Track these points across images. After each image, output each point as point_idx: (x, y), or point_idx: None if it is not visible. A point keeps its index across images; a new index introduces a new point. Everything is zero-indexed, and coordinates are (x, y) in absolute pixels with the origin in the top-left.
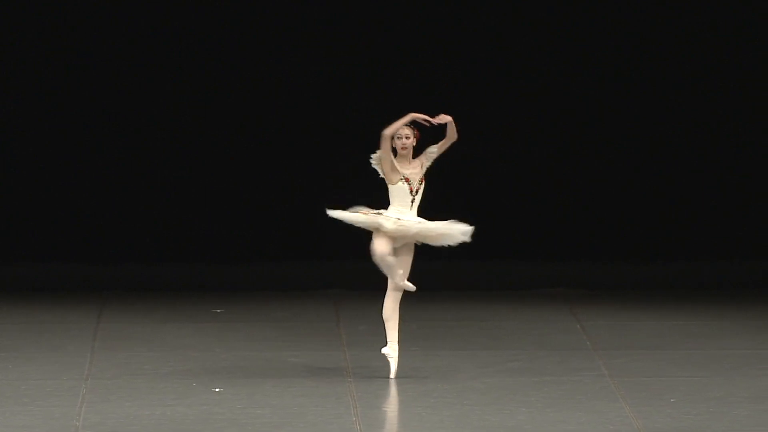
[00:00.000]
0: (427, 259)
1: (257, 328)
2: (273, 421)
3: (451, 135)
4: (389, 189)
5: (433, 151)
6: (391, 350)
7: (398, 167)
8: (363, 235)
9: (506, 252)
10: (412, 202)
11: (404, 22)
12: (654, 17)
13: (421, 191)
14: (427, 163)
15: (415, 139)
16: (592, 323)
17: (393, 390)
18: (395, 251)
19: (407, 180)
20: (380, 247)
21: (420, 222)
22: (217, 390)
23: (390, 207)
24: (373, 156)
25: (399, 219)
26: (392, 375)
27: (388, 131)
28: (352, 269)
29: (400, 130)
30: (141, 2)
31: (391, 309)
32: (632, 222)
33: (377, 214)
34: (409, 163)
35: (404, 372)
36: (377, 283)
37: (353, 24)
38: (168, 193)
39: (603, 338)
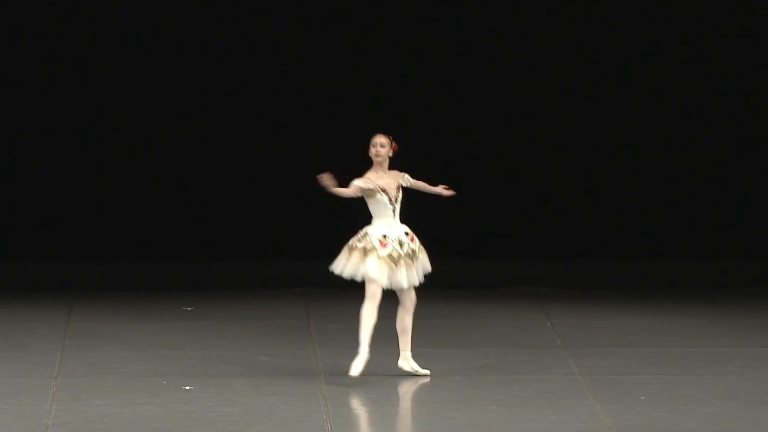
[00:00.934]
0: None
1: (227, 326)
2: (243, 419)
3: (427, 190)
4: (368, 203)
5: (408, 180)
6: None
7: (373, 178)
8: (334, 234)
9: (476, 250)
10: (394, 211)
11: (404, 22)
12: (654, 14)
13: (400, 199)
14: (402, 183)
15: (392, 150)
16: (563, 322)
17: (363, 389)
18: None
19: (385, 191)
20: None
21: (400, 249)
22: (187, 388)
23: (374, 220)
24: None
25: (385, 236)
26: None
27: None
28: (322, 268)
29: (375, 139)
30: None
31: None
32: (603, 221)
33: (362, 246)
34: (386, 173)
35: (373, 369)
36: (348, 282)
37: (353, 24)
38: (137, 191)
39: (573, 337)
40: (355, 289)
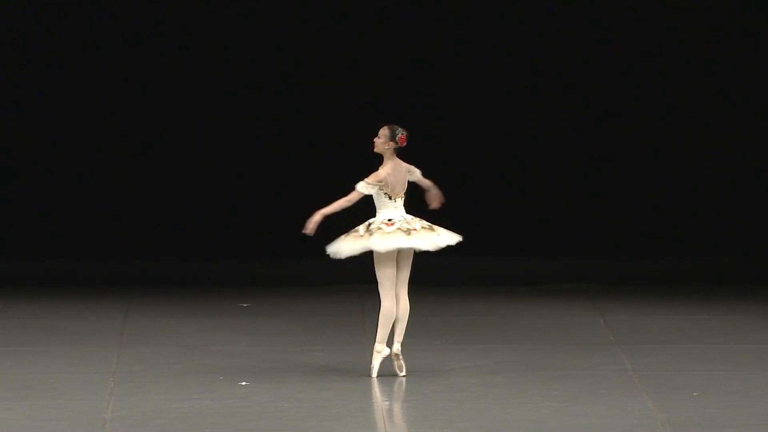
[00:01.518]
0: (450, 254)
1: (283, 322)
2: (298, 414)
3: (425, 187)
4: (373, 196)
5: (417, 176)
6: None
7: (382, 174)
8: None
9: (530, 248)
10: (395, 206)
11: (404, 22)
12: (657, 13)
13: (402, 196)
14: (410, 179)
15: (390, 142)
16: (615, 318)
17: (415, 385)
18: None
19: (387, 185)
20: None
21: (409, 225)
22: (243, 384)
23: (377, 212)
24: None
25: (390, 220)
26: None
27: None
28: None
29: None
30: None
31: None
32: (656, 218)
33: (366, 231)
34: (395, 166)
35: (428, 366)
36: None
37: (352, 24)
38: (193, 190)
39: (626, 333)
40: (414, 286)
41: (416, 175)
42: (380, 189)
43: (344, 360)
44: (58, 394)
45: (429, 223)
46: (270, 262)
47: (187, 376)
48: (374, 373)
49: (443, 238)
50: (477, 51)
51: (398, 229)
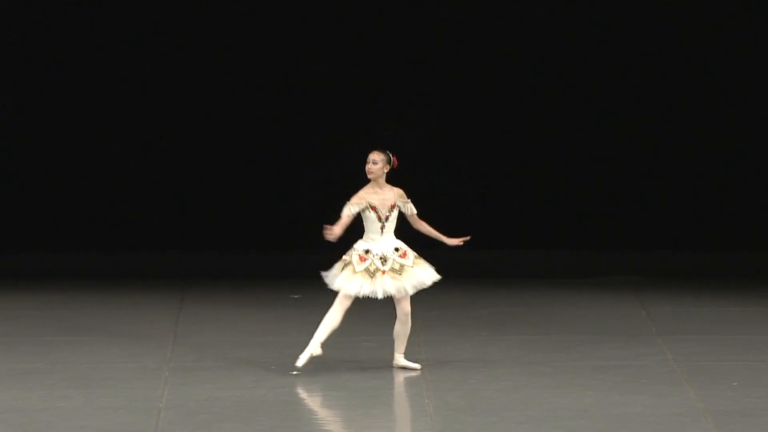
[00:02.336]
0: (496, 247)
1: None
2: (348, 403)
3: (435, 237)
4: (362, 216)
5: (410, 210)
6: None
7: (366, 194)
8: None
9: (573, 240)
10: (382, 228)
11: (404, 22)
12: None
13: (392, 218)
14: (400, 207)
15: (387, 166)
16: (657, 310)
17: (463, 374)
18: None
19: (374, 208)
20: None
21: (378, 265)
22: (294, 373)
23: (364, 234)
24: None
25: (367, 252)
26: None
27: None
28: (428, 257)
29: (369, 156)
30: None
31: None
32: (696, 211)
33: (345, 260)
34: (381, 188)
35: (474, 356)
36: (447, 270)
37: (352, 24)
38: (245, 183)
39: (667, 324)
40: (454, 278)
41: (410, 209)
42: (366, 210)
43: (392, 350)
44: (114, 383)
45: (407, 262)
46: (320, 255)
47: (240, 366)
48: (300, 363)
49: (407, 281)
50: (477, 51)
51: (366, 269)
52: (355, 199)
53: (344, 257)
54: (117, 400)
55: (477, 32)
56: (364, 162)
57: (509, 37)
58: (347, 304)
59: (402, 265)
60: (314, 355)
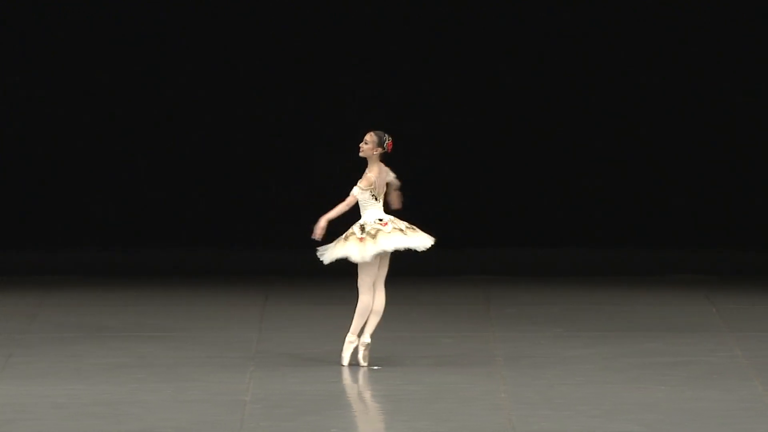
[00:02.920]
0: (565, 246)
1: (411, 310)
2: (426, 397)
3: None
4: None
5: (394, 182)
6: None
7: (372, 177)
8: (513, 222)
9: (644, 240)
10: (377, 200)
11: (403, 22)
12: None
13: (383, 193)
14: (388, 180)
15: (377, 148)
16: (727, 307)
17: (539, 368)
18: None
19: (374, 186)
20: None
21: (397, 225)
22: (374, 368)
23: (363, 211)
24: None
25: (381, 220)
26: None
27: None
28: (500, 255)
29: (366, 136)
30: None
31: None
32: (764, 209)
33: (368, 232)
34: (379, 168)
35: (549, 352)
36: (527, 268)
37: (351, 24)
38: (332, 182)
39: (737, 321)
40: (533, 275)
41: (390, 175)
42: (370, 191)
43: (469, 346)
44: (200, 377)
45: (407, 224)
46: (399, 253)
47: (322, 361)
48: (345, 362)
49: (424, 239)
50: (477, 51)
51: (395, 228)
52: (364, 182)
53: (349, 233)
54: (203, 394)
55: (477, 32)
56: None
57: (510, 37)
58: (373, 276)
59: (407, 226)
60: (355, 346)
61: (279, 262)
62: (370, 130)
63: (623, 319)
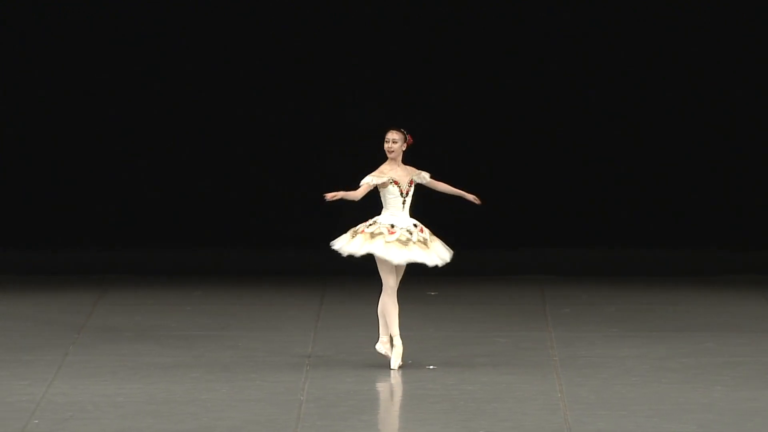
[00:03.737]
0: (622, 246)
1: (467, 309)
2: (482, 397)
3: (458, 194)
4: (381, 194)
5: (425, 178)
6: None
7: (386, 170)
8: (567, 220)
9: (701, 240)
10: (404, 203)
11: (403, 22)
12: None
13: (411, 193)
14: (416, 180)
15: (405, 144)
16: None
17: (595, 368)
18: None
19: (396, 183)
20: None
21: (409, 236)
22: (430, 367)
23: (383, 211)
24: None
25: (393, 226)
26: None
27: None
28: (557, 255)
29: (388, 135)
30: None
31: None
32: None
33: (369, 231)
34: (398, 166)
35: (605, 352)
36: (583, 268)
37: (352, 23)
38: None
39: None
40: (590, 275)
41: (424, 177)
42: (390, 185)
43: (526, 345)
44: (256, 376)
45: (427, 236)
46: (454, 253)
47: (378, 360)
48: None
49: (432, 256)
50: (479, 51)
51: (397, 239)
52: (376, 172)
53: (360, 227)
54: (259, 393)
55: (477, 32)
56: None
57: (511, 37)
58: (395, 286)
59: (425, 239)
60: (396, 346)
61: (335, 262)
62: (390, 128)
63: (679, 319)
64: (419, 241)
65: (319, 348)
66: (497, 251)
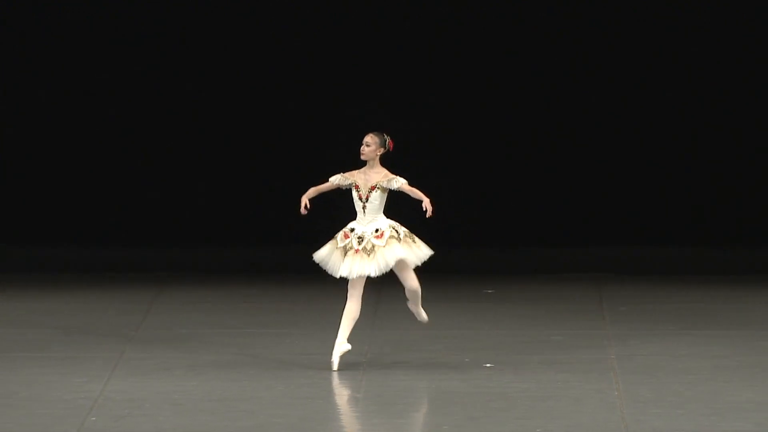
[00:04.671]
0: (680, 245)
1: (524, 308)
2: (538, 394)
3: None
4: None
5: (396, 184)
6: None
7: (355, 173)
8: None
9: (759, 238)
10: (363, 208)
11: (403, 22)
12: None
13: (373, 199)
14: (387, 186)
15: (381, 148)
16: None
17: (652, 367)
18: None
19: (356, 187)
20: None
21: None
22: (487, 365)
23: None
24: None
25: (352, 230)
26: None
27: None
28: (615, 253)
29: (364, 137)
30: None
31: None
32: None
33: (342, 245)
34: (371, 170)
35: (662, 350)
36: (640, 266)
37: (351, 23)
38: (448, 182)
39: None
40: (646, 273)
41: (397, 183)
42: (351, 188)
43: (582, 344)
44: (313, 374)
45: (376, 241)
46: (512, 251)
47: (434, 357)
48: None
49: (374, 262)
50: (480, 51)
51: (343, 247)
52: (346, 173)
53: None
54: (317, 390)
55: (477, 32)
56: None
57: (511, 37)
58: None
59: (374, 246)
60: (344, 351)
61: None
62: (369, 132)
63: (737, 318)
64: (364, 249)
65: (376, 345)
66: (554, 249)
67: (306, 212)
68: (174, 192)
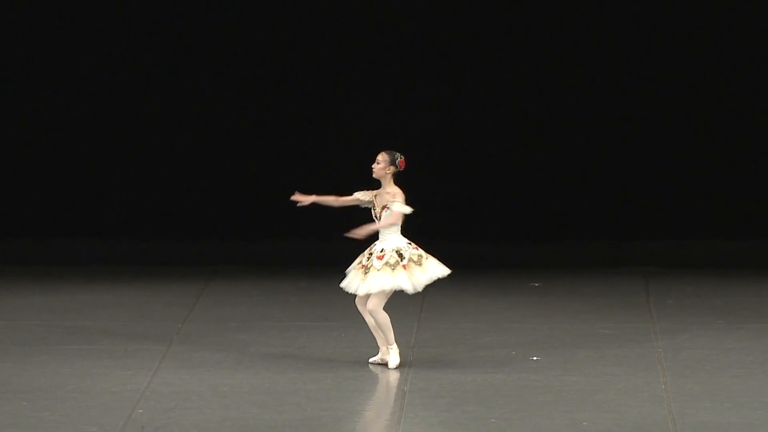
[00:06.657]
0: (728, 238)
1: (571, 301)
2: (586, 388)
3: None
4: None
5: (390, 208)
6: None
7: (376, 190)
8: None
9: None
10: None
11: (403, 22)
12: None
13: (382, 216)
14: (389, 206)
15: (391, 167)
16: None
17: (699, 360)
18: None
19: (373, 206)
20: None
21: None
22: (534, 359)
23: (391, 235)
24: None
25: (410, 243)
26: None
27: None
28: (663, 247)
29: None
30: None
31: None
32: None
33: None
34: (385, 188)
35: (710, 343)
36: (688, 260)
37: (352, 23)
38: (504, 174)
39: None
40: (694, 267)
41: (390, 206)
42: (369, 206)
43: (630, 338)
44: (360, 367)
45: (374, 263)
46: (558, 245)
47: (481, 351)
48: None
49: (365, 283)
50: (481, 51)
51: (359, 262)
52: (370, 191)
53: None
54: (363, 384)
55: (477, 32)
56: None
57: (513, 37)
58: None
59: (371, 266)
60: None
61: (441, 252)
62: (382, 150)
63: None
64: (363, 267)
65: (423, 339)
66: (602, 243)
67: (299, 205)
68: (226, 185)
